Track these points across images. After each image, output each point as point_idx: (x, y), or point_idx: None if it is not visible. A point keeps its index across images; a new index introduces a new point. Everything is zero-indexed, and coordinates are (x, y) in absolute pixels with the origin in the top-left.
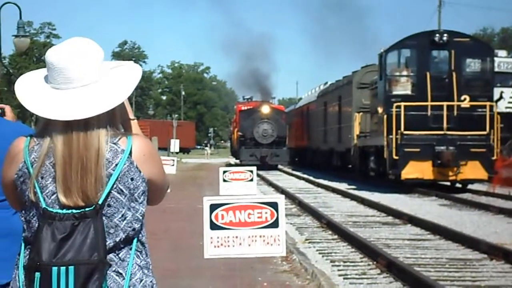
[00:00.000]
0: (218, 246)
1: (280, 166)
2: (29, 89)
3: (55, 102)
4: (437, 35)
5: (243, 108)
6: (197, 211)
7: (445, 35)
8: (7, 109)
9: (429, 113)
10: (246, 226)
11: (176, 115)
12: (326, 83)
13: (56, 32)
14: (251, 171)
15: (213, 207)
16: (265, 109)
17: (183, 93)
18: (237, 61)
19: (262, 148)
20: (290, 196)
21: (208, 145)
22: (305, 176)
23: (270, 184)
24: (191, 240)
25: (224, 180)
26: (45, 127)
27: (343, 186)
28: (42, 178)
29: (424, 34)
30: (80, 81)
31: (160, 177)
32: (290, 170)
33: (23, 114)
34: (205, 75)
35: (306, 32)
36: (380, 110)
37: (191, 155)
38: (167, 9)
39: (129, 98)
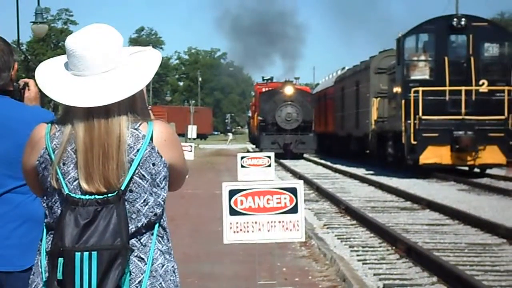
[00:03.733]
0: (237, 232)
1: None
2: (50, 76)
3: (75, 89)
4: (455, 19)
5: (263, 89)
6: (215, 197)
7: (463, 19)
8: (31, 83)
9: (447, 98)
10: (265, 212)
11: (193, 101)
12: (344, 68)
13: (73, 18)
14: (269, 157)
15: (232, 193)
16: (289, 90)
17: (200, 79)
18: (257, 37)
19: (285, 134)
20: (308, 182)
21: (232, 130)
22: (323, 161)
23: (288, 169)
24: (210, 225)
25: (242, 166)
26: (66, 114)
27: (361, 172)
28: (64, 164)
29: (442, 19)
30: (100, 67)
31: (180, 162)
32: (307, 155)
33: (41, 100)
34: (222, 60)
35: (323, 17)
36: (398, 95)
37: (208, 141)
38: None
39: (147, 85)
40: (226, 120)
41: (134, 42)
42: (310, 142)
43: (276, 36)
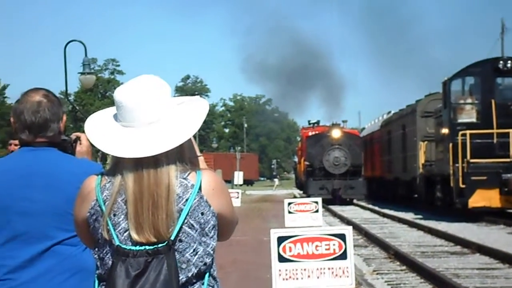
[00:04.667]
0: (287, 279)
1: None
2: (99, 127)
3: (124, 140)
4: (501, 62)
5: (310, 133)
6: (263, 243)
7: (509, 61)
8: (83, 137)
9: (495, 140)
10: (314, 258)
11: (239, 148)
12: (389, 112)
13: (120, 68)
14: (316, 202)
15: (281, 240)
16: (336, 133)
17: (245, 125)
18: (303, 82)
19: (333, 179)
20: (356, 227)
21: (278, 176)
22: (370, 206)
23: (335, 215)
24: (259, 272)
25: (289, 212)
26: (115, 165)
27: (409, 216)
28: (114, 215)
29: (488, 61)
30: (149, 118)
31: (229, 210)
32: (354, 200)
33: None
34: (267, 107)
35: (367, 61)
36: (445, 138)
37: (254, 187)
38: (226, 41)
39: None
40: (272, 166)
41: (180, 90)
42: (359, 187)
43: (319, 81)
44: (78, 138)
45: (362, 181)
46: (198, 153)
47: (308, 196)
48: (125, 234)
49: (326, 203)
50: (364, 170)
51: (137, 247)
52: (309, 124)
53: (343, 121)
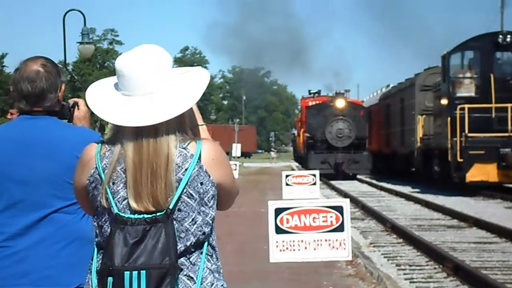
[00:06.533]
0: (284, 250)
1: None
2: (100, 96)
3: (125, 109)
4: (501, 36)
5: (310, 103)
6: (260, 215)
7: (509, 36)
8: (81, 102)
9: (493, 115)
10: (311, 230)
11: (238, 120)
12: (388, 85)
13: (118, 38)
14: (314, 175)
15: (278, 211)
16: (340, 103)
17: (244, 97)
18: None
19: (336, 153)
20: (353, 200)
21: (274, 149)
22: (368, 179)
23: (333, 188)
24: (256, 244)
25: (287, 184)
26: (115, 134)
27: (406, 190)
28: (113, 183)
29: (487, 36)
30: (149, 88)
31: (229, 181)
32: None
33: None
34: (266, 79)
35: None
36: (443, 112)
37: (252, 159)
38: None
39: None
40: (270, 138)
41: (179, 61)
42: (364, 161)
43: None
44: (76, 104)
45: (367, 155)
46: (200, 122)
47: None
48: (124, 202)
49: (328, 178)
50: (368, 143)
51: (136, 216)
52: (310, 93)
53: (346, 91)
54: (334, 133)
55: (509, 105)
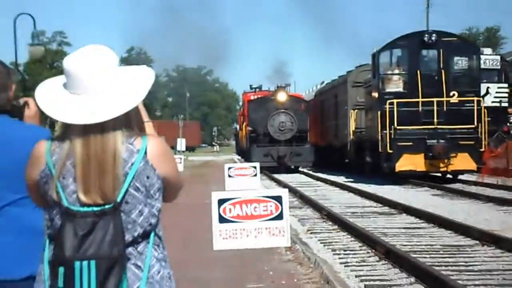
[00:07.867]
0: (227, 238)
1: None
2: (49, 95)
3: (72, 107)
4: (426, 35)
5: (252, 97)
6: (204, 206)
7: (434, 35)
8: (31, 102)
9: (420, 109)
10: (253, 219)
11: (182, 116)
12: (323, 82)
13: (67, 40)
14: (255, 167)
15: (221, 202)
16: (282, 97)
17: (187, 95)
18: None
19: (279, 146)
20: (291, 190)
21: (217, 142)
22: (305, 170)
23: (272, 179)
24: (200, 233)
25: (229, 176)
26: (64, 131)
27: (341, 180)
28: (63, 178)
29: (414, 35)
30: (96, 86)
31: (174, 174)
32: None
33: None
34: (208, 77)
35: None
36: (374, 106)
37: (196, 153)
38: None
39: None
40: (213, 133)
41: (124, 61)
42: (307, 153)
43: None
44: (26, 103)
45: (310, 147)
46: (146, 119)
47: None
48: (74, 196)
49: (270, 171)
50: (309, 136)
51: (85, 208)
52: (251, 88)
53: (287, 85)
54: (276, 126)
55: (434, 99)
